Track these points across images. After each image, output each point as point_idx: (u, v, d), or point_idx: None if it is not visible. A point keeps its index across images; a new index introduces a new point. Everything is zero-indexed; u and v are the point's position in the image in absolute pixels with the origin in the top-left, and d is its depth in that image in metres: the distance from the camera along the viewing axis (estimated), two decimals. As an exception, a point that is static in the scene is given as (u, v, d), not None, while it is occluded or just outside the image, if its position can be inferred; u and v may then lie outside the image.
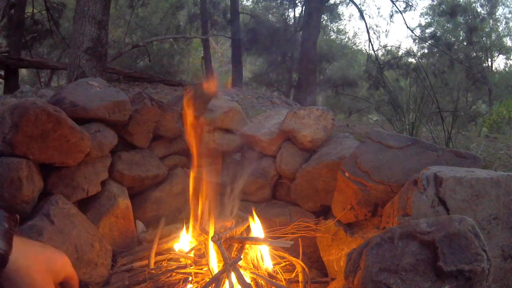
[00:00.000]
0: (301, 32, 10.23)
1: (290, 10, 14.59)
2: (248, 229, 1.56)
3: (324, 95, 14.87)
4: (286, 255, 1.51)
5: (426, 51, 14.41)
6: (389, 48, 15.36)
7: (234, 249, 1.41)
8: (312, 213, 1.79)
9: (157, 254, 1.56)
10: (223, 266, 1.23)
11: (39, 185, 1.37)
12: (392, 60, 12.98)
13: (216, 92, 2.01)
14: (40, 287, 0.64)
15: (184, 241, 1.57)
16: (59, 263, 0.71)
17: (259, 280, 1.28)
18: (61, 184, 1.47)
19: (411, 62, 12.86)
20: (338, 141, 1.85)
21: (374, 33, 17.56)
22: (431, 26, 17.13)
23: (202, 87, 1.83)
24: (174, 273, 1.36)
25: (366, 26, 11.90)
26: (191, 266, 1.42)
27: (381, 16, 35.27)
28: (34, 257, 0.66)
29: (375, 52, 11.64)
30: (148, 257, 1.50)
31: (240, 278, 1.16)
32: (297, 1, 13.62)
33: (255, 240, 1.43)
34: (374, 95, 11.88)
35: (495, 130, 4.62)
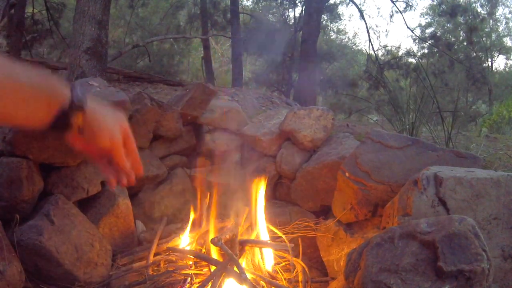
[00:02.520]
0: (301, 32, 10.22)
1: (290, 10, 14.60)
2: (249, 229, 1.56)
3: (324, 95, 14.87)
4: (286, 255, 1.51)
5: (426, 51, 14.42)
6: (389, 48, 15.37)
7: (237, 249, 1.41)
8: (312, 213, 1.79)
9: (157, 254, 1.56)
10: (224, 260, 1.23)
11: (39, 185, 1.37)
12: (392, 60, 12.98)
13: (216, 92, 2.02)
14: (113, 127, 0.80)
15: (184, 242, 1.57)
16: (121, 118, 0.85)
17: (261, 281, 1.28)
18: (61, 184, 1.46)
19: (411, 62, 12.86)
20: (338, 141, 1.85)
21: (374, 33, 17.59)
22: (431, 26, 17.14)
23: (202, 87, 1.83)
24: (174, 274, 1.36)
25: (366, 26, 11.91)
26: (191, 267, 1.42)
27: (381, 16, 35.31)
28: (104, 107, 0.81)
29: (375, 52, 11.64)
30: (147, 257, 1.50)
31: (241, 273, 1.16)
32: (297, 1, 13.63)
33: (256, 243, 1.42)
34: (374, 95, 11.87)
35: (495, 130, 4.62)
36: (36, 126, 0.69)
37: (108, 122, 0.80)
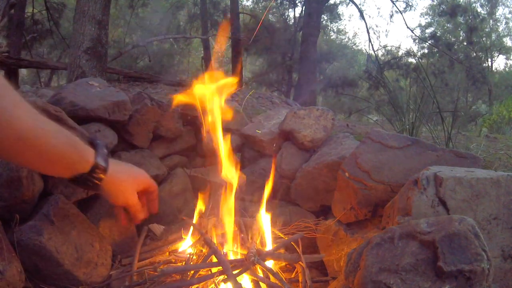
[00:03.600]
0: (301, 32, 10.22)
1: (290, 10, 14.60)
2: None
3: (324, 95, 14.87)
4: (288, 261, 1.50)
5: (426, 51, 14.43)
6: (389, 48, 15.38)
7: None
8: (312, 213, 1.79)
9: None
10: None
11: (39, 185, 1.37)
12: (392, 60, 12.99)
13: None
14: (127, 191, 0.90)
15: (186, 243, 1.57)
16: (140, 176, 0.96)
17: (260, 283, 1.28)
18: (61, 184, 1.46)
19: (411, 62, 12.87)
20: (338, 141, 1.85)
21: (374, 33, 17.63)
22: (431, 26, 17.15)
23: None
24: (174, 275, 1.36)
25: (366, 26, 11.92)
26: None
27: (381, 16, 35.37)
28: (123, 171, 0.92)
29: (375, 52, 11.66)
30: (150, 257, 1.50)
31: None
32: (297, 1, 13.63)
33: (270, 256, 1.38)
34: (374, 95, 11.88)
35: (495, 130, 4.63)
36: (55, 176, 0.80)
37: (124, 185, 0.90)
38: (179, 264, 1.48)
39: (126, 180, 0.91)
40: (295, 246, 1.44)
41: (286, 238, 1.51)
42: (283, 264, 1.51)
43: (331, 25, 16.80)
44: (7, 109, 0.65)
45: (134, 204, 0.94)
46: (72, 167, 0.78)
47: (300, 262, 1.42)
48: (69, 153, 0.76)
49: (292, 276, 1.43)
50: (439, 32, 15.31)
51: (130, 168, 0.96)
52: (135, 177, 0.94)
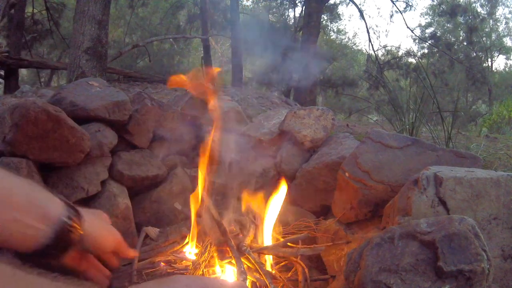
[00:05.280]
0: (301, 32, 10.23)
1: (290, 10, 14.61)
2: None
3: (324, 95, 14.87)
4: (285, 255, 1.50)
5: (426, 51, 14.43)
6: (389, 48, 15.38)
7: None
8: (312, 213, 1.78)
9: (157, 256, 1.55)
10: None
11: (39, 185, 1.36)
12: (392, 60, 12.99)
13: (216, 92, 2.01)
14: (108, 239, 0.86)
15: (187, 245, 1.57)
16: (112, 230, 0.92)
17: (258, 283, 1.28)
18: (61, 184, 1.46)
19: (411, 62, 12.87)
20: (338, 141, 1.85)
21: (374, 33, 17.63)
22: (431, 26, 17.16)
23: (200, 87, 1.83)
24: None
25: (366, 26, 11.90)
26: (189, 268, 1.42)
27: (381, 16, 35.38)
28: (98, 224, 0.87)
29: (375, 52, 11.65)
30: (150, 258, 1.49)
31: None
32: (297, 1, 13.63)
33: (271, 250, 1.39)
34: (374, 95, 11.89)
35: (495, 130, 4.63)
36: (26, 248, 0.64)
37: (103, 224, 0.86)
38: (179, 264, 1.48)
39: (104, 229, 0.87)
40: (291, 245, 1.45)
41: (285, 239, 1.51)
42: (283, 263, 1.51)
43: (331, 25, 16.82)
44: None
45: (121, 240, 0.90)
46: (43, 219, 0.65)
47: (298, 261, 1.42)
48: (37, 203, 0.66)
49: (289, 275, 1.42)
50: (439, 32, 15.32)
51: (103, 222, 0.91)
52: (103, 217, 0.91)
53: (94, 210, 0.90)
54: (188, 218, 1.60)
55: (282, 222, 1.71)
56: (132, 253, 0.95)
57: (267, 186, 1.93)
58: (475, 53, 14.79)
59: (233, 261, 1.23)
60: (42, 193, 0.69)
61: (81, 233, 0.73)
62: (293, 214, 1.79)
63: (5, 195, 0.60)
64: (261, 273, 1.22)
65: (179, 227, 1.75)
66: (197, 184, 1.53)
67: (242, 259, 1.25)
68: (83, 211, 0.79)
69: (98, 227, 0.83)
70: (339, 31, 19.05)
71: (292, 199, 1.85)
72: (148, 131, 1.83)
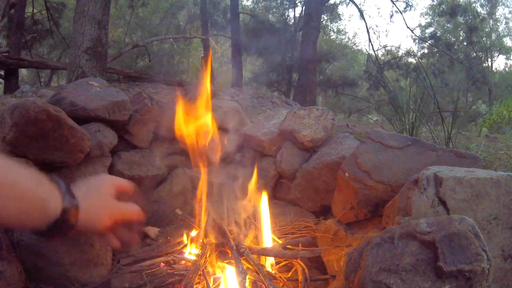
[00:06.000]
0: (301, 32, 10.22)
1: (290, 10, 14.61)
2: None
3: (324, 95, 14.88)
4: (285, 257, 1.50)
5: (426, 51, 14.43)
6: (389, 48, 15.38)
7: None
8: (312, 213, 1.78)
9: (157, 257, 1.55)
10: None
11: (39, 185, 1.36)
12: (392, 60, 12.99)
13: (216, 92, 2.01)
14: (102, 219, 0.81)
15: (187, 245, 1.57)
16: (110, 179, 0.87)
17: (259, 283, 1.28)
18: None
19: (411, 62, 12.87)
20: (338, 141, 1.84)
21: (374, 33, 17.63)
22: (431, 26, 17.15)
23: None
24: (174, 277, 1.35)
25: (366, 26, 11.91)
26: (190, 268, 1.42)
27: (381, 16, 35.38)
28: (93, 188, 0.85)
29: (375, 52, 11.65)
30: (150, 258, 1.49)
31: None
32: (297, 1, 13.63)
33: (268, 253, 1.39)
34: (374, 95, 11.88)
35: (495, 130, 4.63)
36: (31, 229, 0.69)
37: (100, 203, 0.82)
38: (178, 265, 1.48)
39: (98, 193, 0.83)
40: (291, 247, 1.45)
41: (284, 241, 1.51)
42: (283, 263, 1.51)
43: (331, 25, 16.82)
44: None
45: (121, 212, 0.83)
46: (43, 207, 0.69)
47: (298, 261, 1.42)
48: (39, 191, 0.70)
49: (289, 275, 1.42)
50: (439, 32, 15.32)
51: (92, 179, 0.86)
52: (103, 183, 0.85)
53: (95, 180, 0.85)
54: (188, 221, 1.60)
55: (282, 222, 1.72)
56: (136, 215, 0.87)
57: (267, 186, 1.93)
58: (475, 53, 14.79)
59: (233, 261, 1.23)
60: (44, 186, 0.73)
61: (74, 224, 0.74)
62: (293, 214, 1.79)
63: (9, 186, 0.63)
64: (260, 275, 1.22)
65: (179, 227, 1.75)
66: (198, 184, 1.53)
67: (242, 260, 1.25)
68: (81, 191, 0.80)
69: (93, 208, 0.80)
70: (339, 31, 19.06)
71: (292, 199, 1.85)
72: (148, 131, 1.83)
